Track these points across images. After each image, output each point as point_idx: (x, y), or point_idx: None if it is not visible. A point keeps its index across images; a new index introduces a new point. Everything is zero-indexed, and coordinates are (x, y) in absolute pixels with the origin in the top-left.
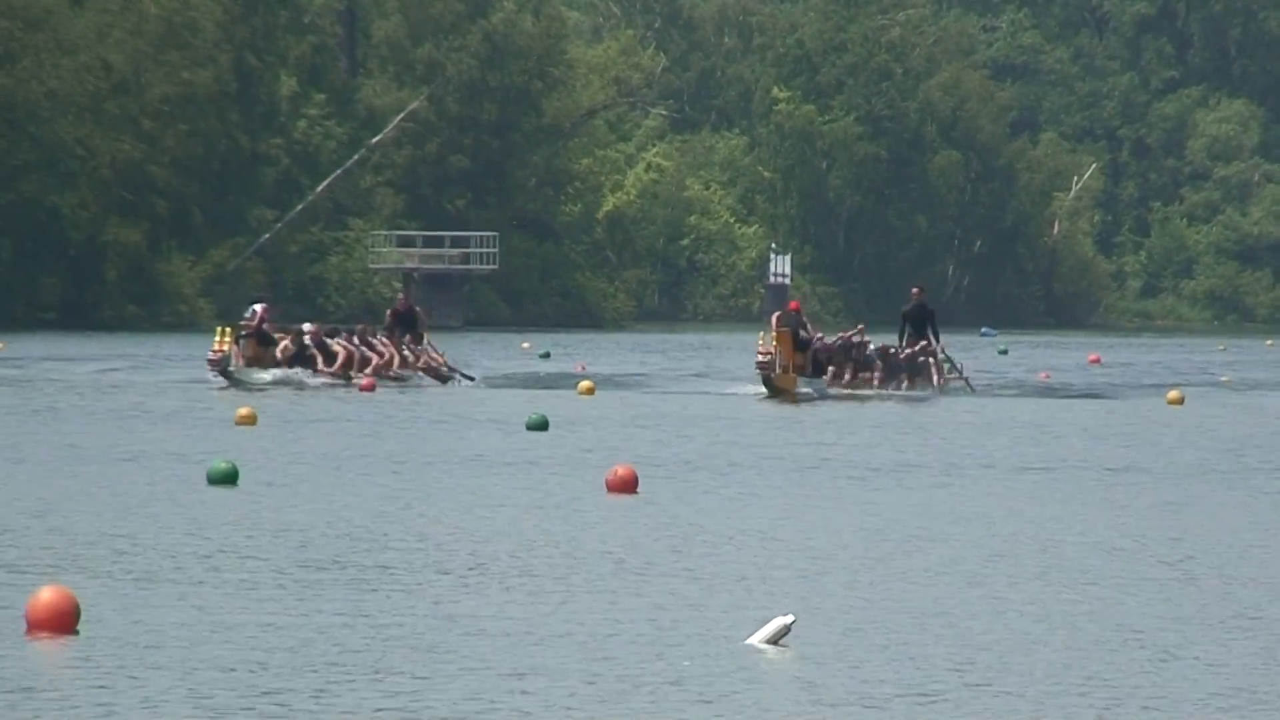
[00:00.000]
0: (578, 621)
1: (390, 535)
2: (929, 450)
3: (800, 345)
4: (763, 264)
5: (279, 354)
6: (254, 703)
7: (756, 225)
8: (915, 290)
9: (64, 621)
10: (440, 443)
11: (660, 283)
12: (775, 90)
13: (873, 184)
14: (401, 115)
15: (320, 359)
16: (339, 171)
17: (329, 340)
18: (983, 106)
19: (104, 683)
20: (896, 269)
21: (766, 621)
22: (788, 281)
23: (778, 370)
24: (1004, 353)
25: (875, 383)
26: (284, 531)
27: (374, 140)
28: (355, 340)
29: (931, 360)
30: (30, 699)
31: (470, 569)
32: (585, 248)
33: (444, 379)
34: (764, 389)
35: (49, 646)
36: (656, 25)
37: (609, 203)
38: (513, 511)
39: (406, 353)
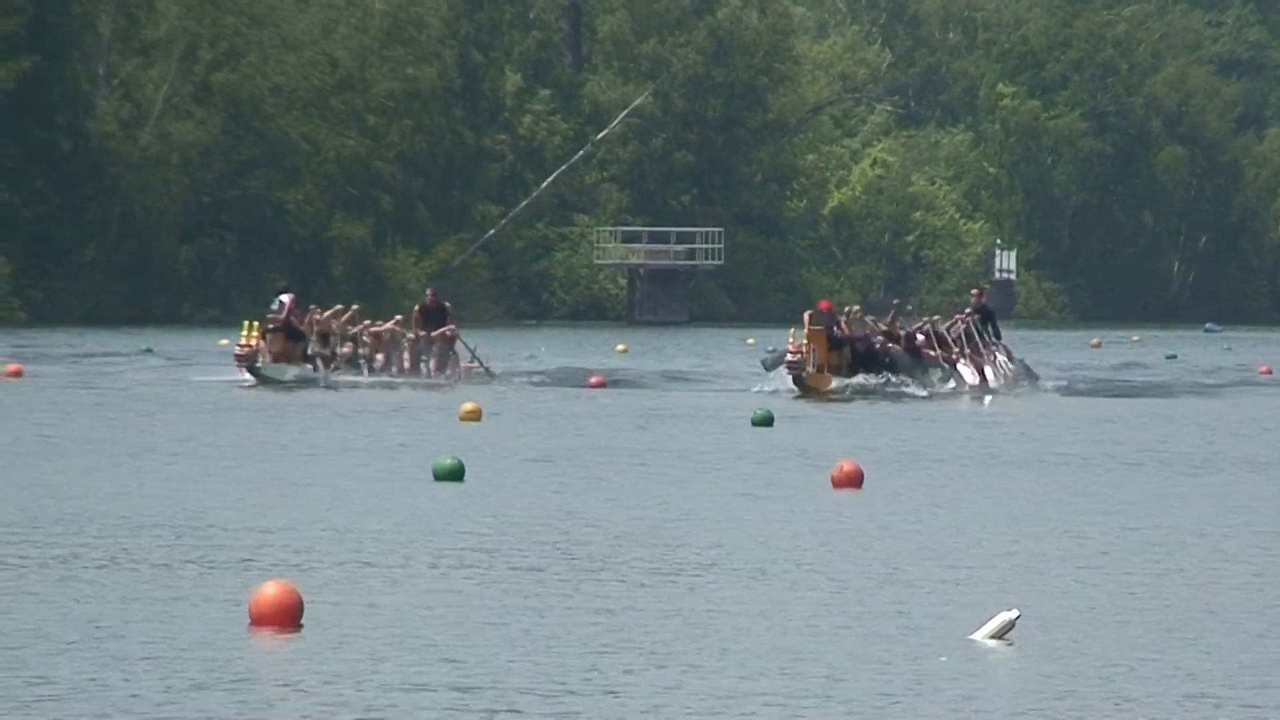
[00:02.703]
0: (810, 618)
1: (620, 530)
2: (1151, 446)
3: (835, 344)
4: (988, 260)
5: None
6: (481, 702)
7: (981, 221)
8: (974, 292)
9: (287, 617)
10: (664, 438)
11: (885, 278)
12: (1000, 86)
13: (1098, 180)
14: (626, 111)
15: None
16: (564, 167)
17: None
18: (1208, 102)
19: (326, 679)
20: (1122, 265)
21: (992, 616)
22: (1013, 277)
23: (810, 369)
24: (1229, 349)
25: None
26: (510, 527)
27: (599, 136)
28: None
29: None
30: (253, 694)
31: (703, 565)
32: (810, 243)
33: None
34: (794, 388)
35: (272, 642)
36: (881, 21)
37: (834, 198)
38: (742, 507)
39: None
